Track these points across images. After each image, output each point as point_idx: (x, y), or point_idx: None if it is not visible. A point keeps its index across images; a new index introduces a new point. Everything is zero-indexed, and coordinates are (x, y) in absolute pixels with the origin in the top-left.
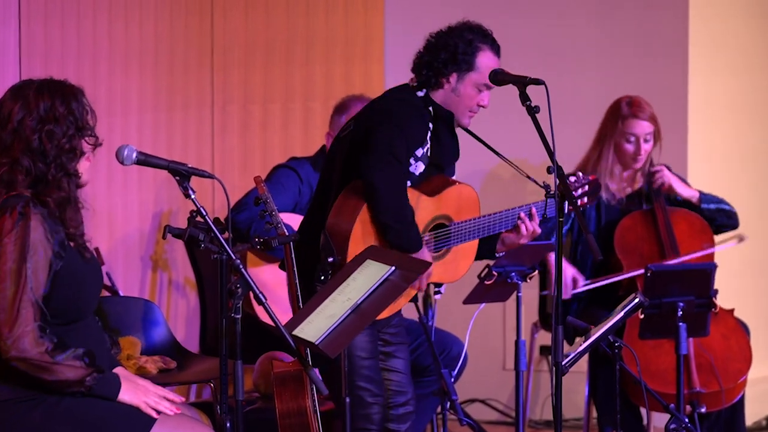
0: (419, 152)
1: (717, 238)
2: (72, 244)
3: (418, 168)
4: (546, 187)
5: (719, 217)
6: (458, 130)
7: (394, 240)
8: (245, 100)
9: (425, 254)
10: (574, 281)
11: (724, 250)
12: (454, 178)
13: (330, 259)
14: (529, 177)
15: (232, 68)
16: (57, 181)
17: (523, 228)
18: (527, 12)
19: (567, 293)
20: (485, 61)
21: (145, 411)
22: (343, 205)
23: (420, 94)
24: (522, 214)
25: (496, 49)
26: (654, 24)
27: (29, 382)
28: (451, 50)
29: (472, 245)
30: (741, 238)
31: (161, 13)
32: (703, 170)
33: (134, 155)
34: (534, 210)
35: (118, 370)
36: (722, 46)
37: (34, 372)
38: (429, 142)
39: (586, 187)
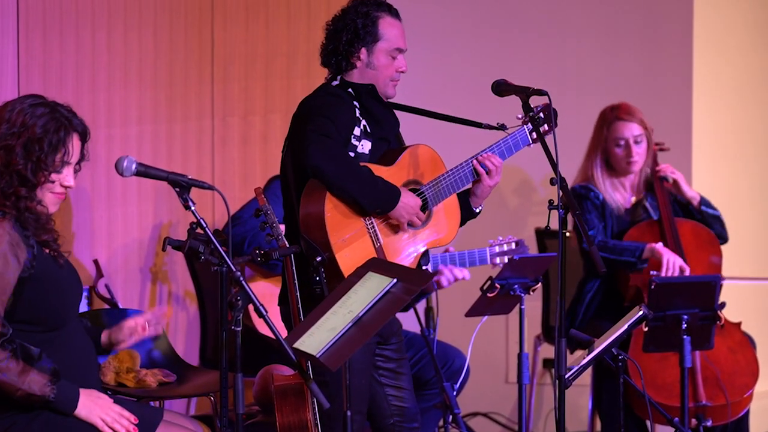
0: (357, 131)
1: (727, 270)
2: (47, 250)
3: (366, 146)
4: (501, 126)
5: (715, 225)
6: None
7: (370, 205)
8: (246, 112)
9: (409, 197)
10: (681, 270)
11: (733, 260)
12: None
13: (318, 259)
14: (481, 125)
15: (232, 79)
16: (5, 198)
17: (488, 163)
18: (531, 21)
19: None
20: (387, 28)
21: (101, 429)
22: (307, 204)
23: (335, 83)
24: (474, 162)
25: (394, 13)
26: (658, 29)
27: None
28: (351, 29)
29: (454, 202)
30: None
31: (161, 25)
32: (707, 176)
33: (134, 166)
34: (484, 154)
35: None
36: (726, 51)
37: None
38: (363, 119)
39: (541, 115)
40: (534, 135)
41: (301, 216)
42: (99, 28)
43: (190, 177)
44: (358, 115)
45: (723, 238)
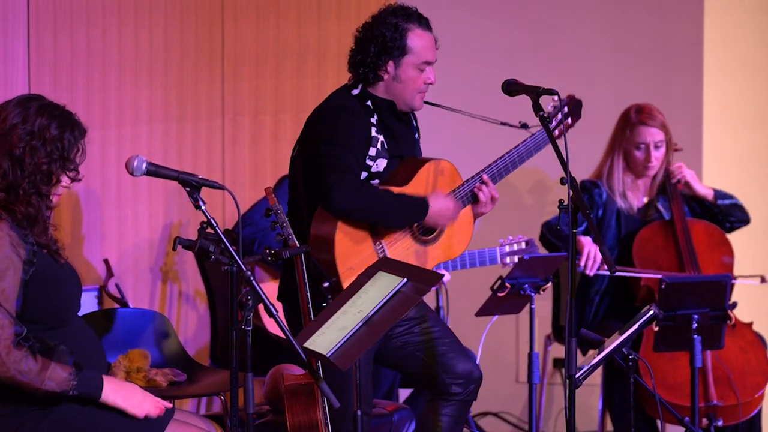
0: (372, 151)
1: (738, 270)
2: (45, 251)
3: (380, 165)
4: (524, 126)
5: (734, 212)
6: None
7: (400, 226)
8: (256, 111)
9: (440, 199)
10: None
11: (741, 256)
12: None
13: (326, 284)
14: (503, 123)
15: (242, 78)
16: (27, 196)
17: (481, 195)
18: (539, 18)
19: (594, 269)
20: (416, 40)
21: (131, 412)
22: (318, 227)
23: (355, 92)
24: (478, 183)
25: (424, 23)
26: (668, 30)
27: (14, 395)
28: (379, 41)
29: (467, 215)
30: (764, 279)
31: (171, 23)
32: (718, 176)
33: (144, 166)
34: (486, 176)
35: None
36: (737, 51)
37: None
38: (380, 135)
39: (565, 109)
40: (556, 132)
41: (311, 239)
42: (109, 27)
43: (200, 176)
44: (374, 132)
45: (745, 221)
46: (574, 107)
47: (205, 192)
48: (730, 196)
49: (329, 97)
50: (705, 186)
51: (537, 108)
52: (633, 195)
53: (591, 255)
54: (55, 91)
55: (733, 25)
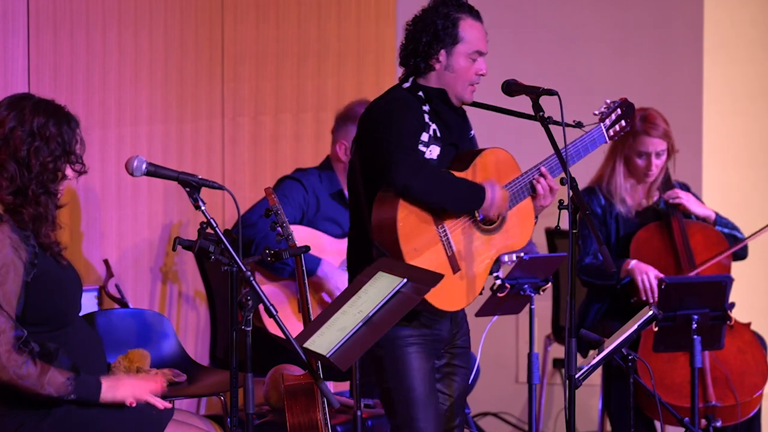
0: (425, 137)
1: (739, 269)
2: (47, 252)
3: (434, 152)
4: (578, 124)
5: (730, 243)
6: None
7: (459, 210)
8: (256, 111)
9: (497, 191)
10: (659, 281)
11: (742, 264)
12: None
13: None
14: (560, 123)
15: (242, 79)
16: (36, 197)
17: (539, 188)
18: (542, 24)
19: (655, 296)
20: (468, 29)
21: (129, 404)
22: (380, 211)
23: (405, 85)
24: (536, 176)
25: (475, 14)
26: (668, 36)
27: (14, 395)
28: (431, 30)
29: (527, 206)
30: None
31: (171, 24)
32: (717, 180)
33: (144, 166)
34: (544, 169)
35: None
36: (736, 47)
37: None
38: (433, 123)
39: (619, 111)
40: (611, 132)
41: (373, 223)
42: (109, 28)
43: (200, 177)
44: (427, 120)
45: (742, 256)
46: (627, 109)
47: (204, 192)
48: (732, 227)
49: (381, 94)
50: (706, 208)
51: (537, 108)
52: (632, 198)
53: (647, 283)
54: (55, 92)
55: (733, 28)
